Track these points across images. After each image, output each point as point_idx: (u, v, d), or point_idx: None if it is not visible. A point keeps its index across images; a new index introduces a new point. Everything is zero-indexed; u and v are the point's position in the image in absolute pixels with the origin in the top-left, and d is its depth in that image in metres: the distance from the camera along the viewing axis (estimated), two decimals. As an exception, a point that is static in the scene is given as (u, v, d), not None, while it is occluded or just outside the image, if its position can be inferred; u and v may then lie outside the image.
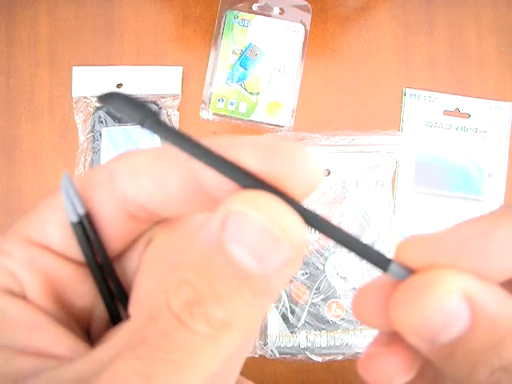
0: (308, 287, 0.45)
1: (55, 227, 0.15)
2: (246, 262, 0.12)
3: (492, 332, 0.12)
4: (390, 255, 0.14)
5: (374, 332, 0.45)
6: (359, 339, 0.45)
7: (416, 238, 0.14)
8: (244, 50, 0.49)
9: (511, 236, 0.13)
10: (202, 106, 0.49)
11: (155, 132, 0.13)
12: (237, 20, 0.49)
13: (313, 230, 0.13)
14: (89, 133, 0.48)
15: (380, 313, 0.15)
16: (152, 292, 0.13)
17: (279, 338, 0.45)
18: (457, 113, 0.49)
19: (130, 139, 0.48)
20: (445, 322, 0.13)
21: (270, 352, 0.45)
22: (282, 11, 0.49)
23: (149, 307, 0.13)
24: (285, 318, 0.45)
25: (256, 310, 0.13)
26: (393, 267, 0.14)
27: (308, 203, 0.46)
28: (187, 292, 0.12)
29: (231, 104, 0.48)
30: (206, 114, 0.48)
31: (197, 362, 0.12)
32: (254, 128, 0.48)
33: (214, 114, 0.48)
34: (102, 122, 0.47)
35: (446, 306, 0.13)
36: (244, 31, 0.49)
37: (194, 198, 0.14)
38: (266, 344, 0.45)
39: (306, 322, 0.45)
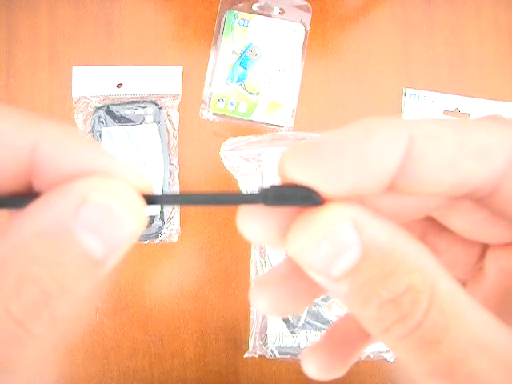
0: (308, 287, 0.45)
1: None
2: (97, 249, 0.12)
3: (382, 263, 0.12)
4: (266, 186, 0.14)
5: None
6: (359, 339, 0.45)
7: (296, 150, 0.13)
8: (244, 50, 0.49)
9: (386, 140, 0.12)
10: (202, 106, 0.49)
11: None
12: (237, 20, 0.49)
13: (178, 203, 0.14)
14: (89, 133, 0.48)
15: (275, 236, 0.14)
16: None
17: (279, 338, 0.45)
18: (457, 113, 0.49)
19: (129, 139, 0.48)
20: (335, 250, 0.12)
21: (269, 352, 0.45)
22: (282, 11, 0.49)
23: None
24: (284, 317, 0.45)
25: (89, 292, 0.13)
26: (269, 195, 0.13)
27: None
28: (33, 292, 0.11)
29: (231, 104, 0.48)
30: (206, 114, 0.48)
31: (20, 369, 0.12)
32: (254, 128, 0.48)
33: (214, 113, 0.48)
34: (102, 121, 0.47)
35: (335, 233, 0.12)
36: (244, 31, 0.49)
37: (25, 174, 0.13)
38: (265, 344, 0.45)
39: (305, 321, 0.45)
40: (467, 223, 0.15)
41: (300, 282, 0.15)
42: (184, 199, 0.15)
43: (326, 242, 0.12)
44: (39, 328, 0.11)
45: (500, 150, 0.13)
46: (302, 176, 0.13)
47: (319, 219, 0.13)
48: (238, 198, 0.14)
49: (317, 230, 0.13)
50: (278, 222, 0.14)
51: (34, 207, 0.12)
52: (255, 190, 0.13)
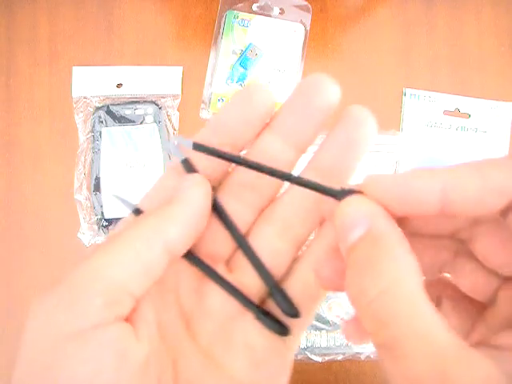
0: (308, 287, 0.45)
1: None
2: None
3: (378, 242, 0.16)
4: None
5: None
6: (359, 339, 0.45)
7: (382, 180, 0.18)
8: (244, 50, 0.49)
9: (424, 189, 0.16)
10: (202, 106, 0.49)
11: None
12: (237, 20, 0.49)
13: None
14: (89, 133, 0.48)
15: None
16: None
17: (279, 338, 0.45)
18: (457, 113, 0.49)
19: (130, 139, 0.48)
20: (350, 224, 0.16)
21: (269, 352, 0.45)
22: (282, 11, 0.49)
23: None
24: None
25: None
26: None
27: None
28: None
29: (231, 104, 0.48)
30: (206, 114, 0.48)
31: None
32: (253, 128, 0.48)
33: (214, 113, 0.48)
34: (101, 121, 0.47)
35: (354, 215, 0.17)
36: (244, 31, 0.49)
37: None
38: (265, 344, 0.45)
39: (305, 322, 0.45)
40: (487, 249, 0.18)
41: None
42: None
43: (347, 218, 0.17)
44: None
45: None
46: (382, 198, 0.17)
47: (346, 207, 0.17)
48: (318, 187, 0.19)
49: (343, 215, 0.17)
50: None
51: None
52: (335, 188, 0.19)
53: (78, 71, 0.48)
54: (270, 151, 0.21)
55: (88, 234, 0.47)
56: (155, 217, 0.19)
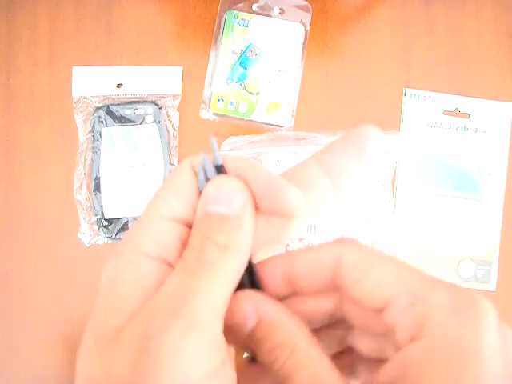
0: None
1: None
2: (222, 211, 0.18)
3: (268, 333, 0.18)
4: None
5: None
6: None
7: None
8: (244, 50, 0.49)
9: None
10: (202, 106, 0.49)
11: None
12: (237, 20, 0.49)
13: None
14: (89, 133, 0.48)
15: None
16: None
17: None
18: (457, 113, 0.49)
19: (130, 139, 0.48)
20: (243, 316, 0.18)
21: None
22: (281, 11, 0.49)
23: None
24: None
25: (240, 237, 0.18)
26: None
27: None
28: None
29: (231, 104, 0.48)
30: (206, 114, 0.48)
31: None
32: (254, 128, 0.48)
33: (214, 113, 0.48)
34: (101, 121, 0.47)
35: (243, 311, 0.18)
36: (244, 31, 0.49)
37: None
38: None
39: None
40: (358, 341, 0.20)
41: None
42: None
43: (239, 313, 0.18)
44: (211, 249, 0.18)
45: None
46: None
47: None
48: None
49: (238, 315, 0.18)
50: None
51: None
52: None
53: (77, 71, 0.48)
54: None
55: (88, 234, 0.47)
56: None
